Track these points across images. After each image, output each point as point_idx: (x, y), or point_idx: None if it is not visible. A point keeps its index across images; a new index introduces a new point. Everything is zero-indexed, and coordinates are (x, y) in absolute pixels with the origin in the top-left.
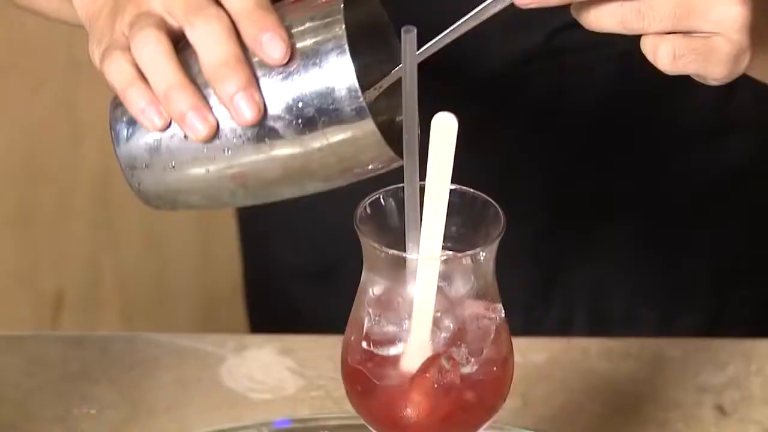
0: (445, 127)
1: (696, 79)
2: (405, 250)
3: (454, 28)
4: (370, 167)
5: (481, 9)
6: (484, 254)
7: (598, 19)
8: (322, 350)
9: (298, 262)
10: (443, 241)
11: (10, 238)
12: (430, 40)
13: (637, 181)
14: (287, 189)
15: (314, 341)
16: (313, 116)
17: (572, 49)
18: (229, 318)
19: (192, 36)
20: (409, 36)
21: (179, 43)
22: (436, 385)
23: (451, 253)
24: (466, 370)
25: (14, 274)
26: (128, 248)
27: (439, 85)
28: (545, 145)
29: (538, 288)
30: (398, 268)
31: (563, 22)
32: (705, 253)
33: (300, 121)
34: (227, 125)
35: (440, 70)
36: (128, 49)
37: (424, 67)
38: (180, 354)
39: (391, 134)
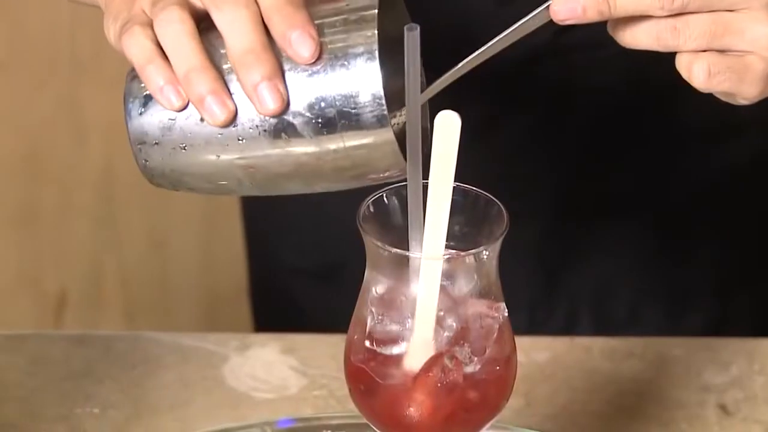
0: (448, 126)
1: (724, 99)
2: (408, 249)
3: (491, 45)
4: (381, 174)
5: (519, 26)
6: (487, 253)
7: (634, 37)
8: (325, 349)
9: (302, 262)
10: (446, 240)
11: (13, 237)
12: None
13: (643, 180)
14: (295, 185)
15: (317, 340)
16: (333, 117)
17: (579, 46)
18: (232, 317)
19: (219, 20)
20: (411, 34)
21: (200, 24)
22: (439, 384)
23: (454, 251)
24: (469, 369)
25: (17, 273)
26: (131, 247)
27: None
28: (550, 143)
29: (542, 288)
30: (401, 266)
31: None
32: (710, 254)
33: (319, 120)
34: (245, 114)
35: (445, 70)
36: (149, 25)
37: (428, 67)
38: (183, 353)
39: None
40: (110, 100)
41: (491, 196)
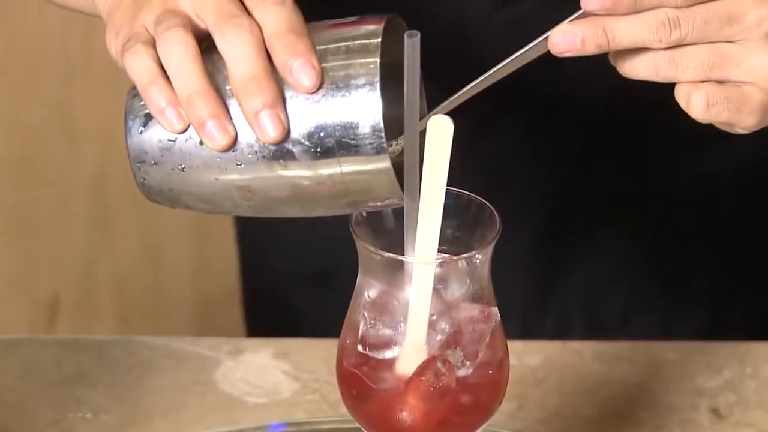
0: (441, 129)
1: (722, 128)
2: (400, 253)
3: (488, 76)
4: (378, 203)
5: (517, 57)
6: (479, 257)
7: (633, 67)
8: (318, 354)
9: (295, 267)
10: (439, 244)
11: (6, 242)
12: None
13: (636, 185)
14: (291, 210)
15: (310, 345)
16: (332, 147)
17: None
18: (225, 322)
19: (222, 45)
20: (411, 41)
21: (202, 44)
22: (431, 389)
23: (446, 256)
24: (462, 373)
25: (10, 278)
26: (125, 252)
27: (436, 89)
28: (543, 147)
29: (534, 292)
30: (394, 271)
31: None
32: (704, 259)
33: (318, 149)
34: (245, 139)
35: (438, 74)
36: (151, 44)
37: (424, 73)
38: (176, 358)
39: (402, 172)
40: (103, 104)
41: (484, 201)
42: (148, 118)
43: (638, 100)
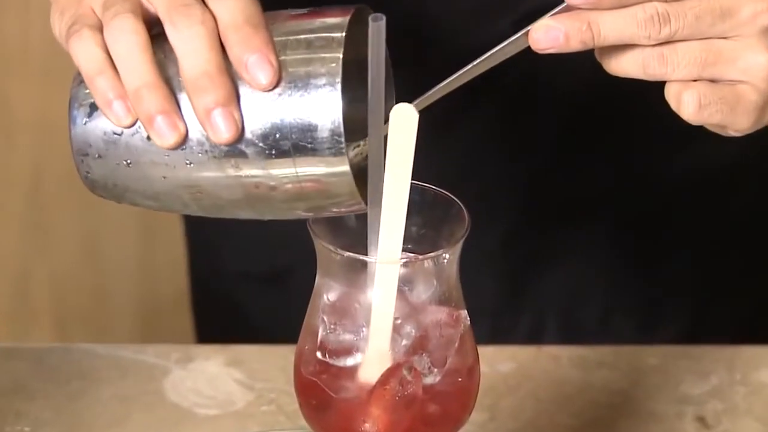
0: (404, 119)
1: (714, 131)
2: (363, 252)
3: (462, 74)
4: (335, 210)
5: (495, 53)
6: (447, 256)
7: (619, 64)
8: (274, 361)
9: (248, 265)
10: (404, 243)
11: None
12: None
13: (613, 181)
14: (243, 212)
15: (265, 351)
16: (287, 149)
17: None
18: (173, 328)
19: (173, 37)
20: (376, 25)
21: (153, 29)
22: (396, 398)
23: (412, 255)
24: (429, 380)
25: None
26: (63, 254)
27: (402, 77)
28: (514, 140)
29: (506, 294)
30: (355, 271)
31: (533, 7)
32: (686, 260)
33: (273, 151)
34: (195, 137)
35: (404, 62)
36: (99, 28)
37: (389, 62)
38: (120, 367)
39: (363, 177)
40: (39, 95)
41: (451, 196)
42: (94, 108)
43: (618, 90)
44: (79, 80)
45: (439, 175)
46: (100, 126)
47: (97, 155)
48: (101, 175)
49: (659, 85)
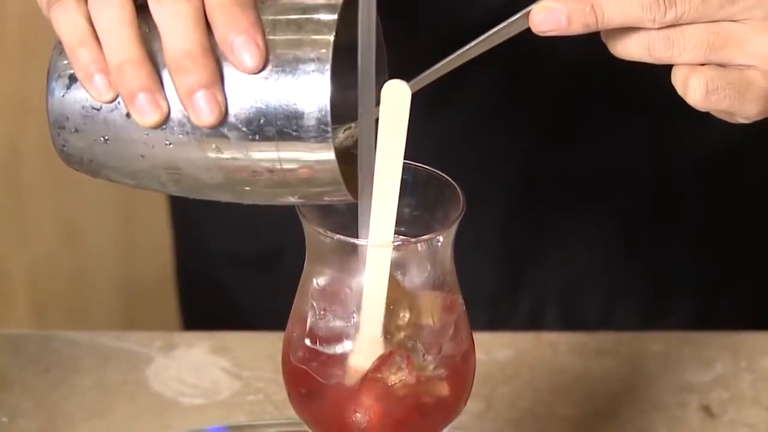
0: (397, 96)
1: (721, 117)
2: (353, 235)
3: (459, 55)
4: (319, 198)
5: (494, 33)
6: (441, 239)
7: (625, 47)
8: (261, 349)
9: (234, 248)
10: (396, 225)
11: None
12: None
13: (615, 162)
14: (223, 195)
15: (252, 338)
16: (271, 136)
17: None
18: (156, 314)
19: (157, 14)
20: None
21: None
22: (389, 386)
23: (404, 238)
24: (423, 369)
25: None
26: (41, 238)
27: (394, 53)
28: (511, 117)
29: (503, 279)
30: (345, 255)
31: None
32: (690, 246)
33: (257, 137)
34: (176, 117)
35: (394, 38)
36: None
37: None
38: (101, 355)
39: (348, 165)
40: (14, 72)
41: (446, 176)
42: (73, 80)
43: (620, 68)
44: (59, 49)
45: (433, 153)
46: (79, 99)
47: (74, 129)
48: (77, 150)
49: (665, 66)
